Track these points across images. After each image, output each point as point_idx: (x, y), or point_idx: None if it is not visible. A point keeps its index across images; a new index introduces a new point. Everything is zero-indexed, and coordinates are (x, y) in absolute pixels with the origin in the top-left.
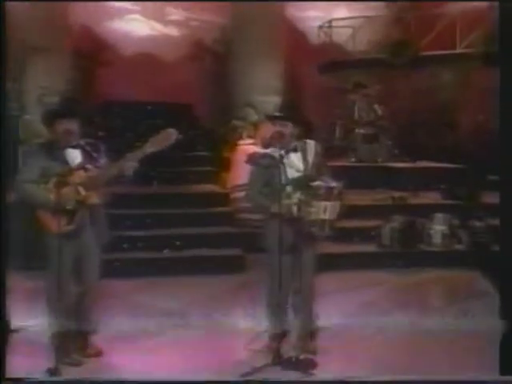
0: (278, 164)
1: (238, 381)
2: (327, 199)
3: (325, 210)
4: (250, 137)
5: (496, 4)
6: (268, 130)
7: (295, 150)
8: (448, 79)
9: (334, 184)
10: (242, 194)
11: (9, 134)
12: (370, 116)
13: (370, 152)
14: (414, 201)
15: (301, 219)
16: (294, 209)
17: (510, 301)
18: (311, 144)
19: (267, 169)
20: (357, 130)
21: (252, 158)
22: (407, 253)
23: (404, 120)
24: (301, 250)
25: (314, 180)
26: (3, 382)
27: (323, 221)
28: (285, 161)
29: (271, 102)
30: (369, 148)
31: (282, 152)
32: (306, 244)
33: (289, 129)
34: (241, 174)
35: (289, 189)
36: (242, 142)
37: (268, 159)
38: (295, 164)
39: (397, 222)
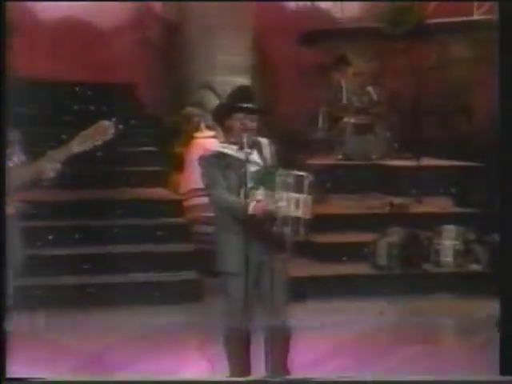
0: (243, 164)
1: (238, 381)
2: (298, 191)
3: (297, 205)
4: (209, 128)
5: None
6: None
7: (254, 147)
8: (462, 54)
9: (304, 173)
10: (200, 200)
11: None
12: (362, 101)
13: (362, 147)
14: (417, 209)
15: (268, 220)
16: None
17: (510, 301)
18: (265, 143)
19: (230, 168)
20: (345, 119)
21: (209, 157)
22: (410, 275)
23: (406, 106)
24: (271, 266)
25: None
26: (3, 382)
27: (297, 219)
28: (248, 157)
29: (236, 83)
30: (361, 141)
31: (248, 149)
32: (278, 254)
33: (255, 121)
34: (197, 174)
35: (251, 185)
36: (198, 134)
37: (231, 158)
38: (255, 161)
39: (396, 235)
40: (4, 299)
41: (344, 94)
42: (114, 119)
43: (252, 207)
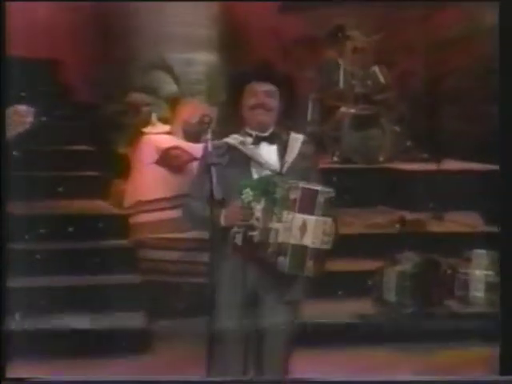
0: (243, 157)
1: (239, 380)
2: (307, 210)
3: (303, 229)
4: (162, 120)
5: None
6: (196, 109)
7: (271, 140)
8: (493, 22)
9: (318, 187)
10: (152, 216)
11: None
12: (364, 85)
13: (364, 145)
14: (437, 227)
15: (263, 247)
16: (256, 228)
17: (510, 300)
18: (298, 139)
19: (232, 168)
20: (343, 109)
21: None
22: (427, 315)
23: (422, 91)
24: (264, 311)
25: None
26: (3, 382)
27: (301, 249)
28: (254, 152)
29: (200, 61)
30: (363, 138)
31: (252, 137)
32: (275, 291)
33: (276, 100)
34: (148, 182)
35: (249, 195)
36: (149, 128)
37: (236, 153)
38: (267, 160)
39: (409, 262)
40: (4, 299)
41: (341, 76)
42: (31, 106)
43: (223, 217)
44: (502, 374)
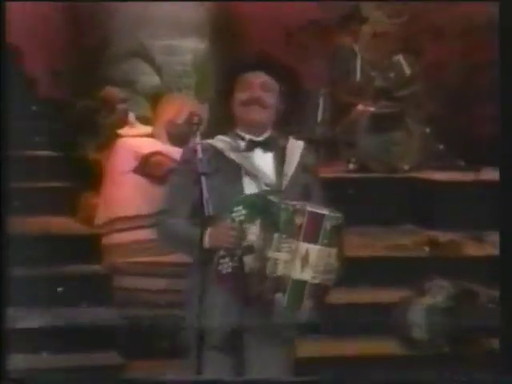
0: (232, 165)
1: (239, 380)
2: (311, 238)
3: (304, 261)
4: (142, 120)
5: None
6: (183, 107)
7: (267, 147)
8: None
9: (325, 211)
10: (129, 235)
11: None
12: (386, 77)
13: (386, 150)
14: (476, 250)
15: (257, 279)
16: (248, 256)
17: (510, 300)
18: (297, 147)
19: (220, 178)
20: (360, 107)
21: (189, 153)
22: (465, 357)
23: (456, 85)
24: (249, 356)
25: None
26: (3, 382)
27: (301, 285)
28: (246, 160)
29: (187, 49)
30: (384, 142)
31: (245, 141)
32: (262, 339)
33: (274, 95)
34: (125, 194)
35: (241, 213)
36: (126, 130)
37: (224, 161)
38: (262, 171)
39: (441, 292)
40: (4, 299)
41: (358, 67)
42: None
43: (207, 237)
44: (501, 373)
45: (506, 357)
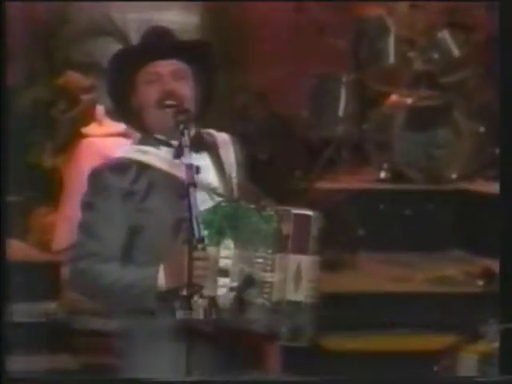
0: (181, 188)
1: (239, 380)
2: (298, 248)
3: (297, 278)
4: (112, 115)
5: None
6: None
7: (198, 147)
8: None
9: (309, 211)
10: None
11: None
12: (428, 59)
13: (427, 153)
14: None
15: (246, 312)
16: (223, 287)
17: (510, 300)
18: (226, 140)
19: (158, 198)
20: (394, 97)
21: (103, 173)
22: None
23: None
24: None
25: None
26: (3, 382)
27: (294, 305)
28: (180, 172)
29: (168, 24)
30: (426, 143)
31: (172, 147)
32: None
33: (188, 85)
34: None
35: (200, 234)
36: (92, 127)
37: (158, 175)
38: (204, 176)
39: (497, 337)
40: (4, 299)
41: (391, 45)
42: None
43: (162, 277)
44: (501, 374)
45: (506, 356)
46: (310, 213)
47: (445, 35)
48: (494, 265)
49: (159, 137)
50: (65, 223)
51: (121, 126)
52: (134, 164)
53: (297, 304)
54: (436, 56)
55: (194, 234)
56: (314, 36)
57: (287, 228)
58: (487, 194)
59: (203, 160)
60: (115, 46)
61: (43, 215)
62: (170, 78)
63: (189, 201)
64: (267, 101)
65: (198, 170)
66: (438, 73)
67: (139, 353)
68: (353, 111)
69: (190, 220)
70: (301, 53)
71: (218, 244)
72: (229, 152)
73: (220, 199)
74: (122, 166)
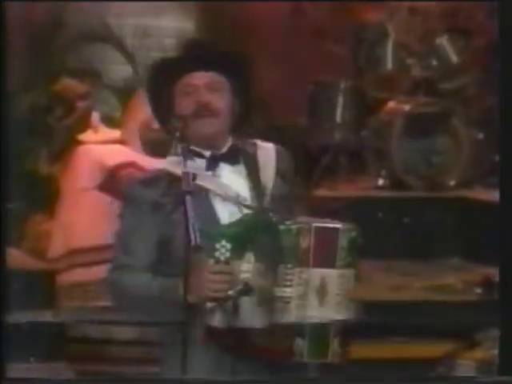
0: (187, 188)
1: (239, 380)
2: (324, 261)
3: (322, 292)
4: (109, 122)
5: None
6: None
7: (233, 160)
8: None
9: (337, 224)
10: (92, 272)
11: None
12: (427, 66)
13: (426, 161)
14: None
15: (264, 328)
16: (247, 301)
17: (510, 299)
18: (269, 151)
19: (166, 213)
20: (392, 104)
21: (136, 186)
22: None
23: None
24: None
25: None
26: (3, 382)
27: (323, 324)
28: (210, 184)
29: (166, 30)
30: (424, 150)
31: (205, 159)
32: None
33: (224, 97)
34: (86, 218)
35: (226, 249)
36: (88, 134)
37: (165, 185)
38: (234, 188)
39: (496, 346)
40: (4, 299)
41: (389, 51)
42: None
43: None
44: (501, 374)
45: (506, 357)
46: (336, 225)
47: (443, 41)
48: (493, 273)
49: (194, 148)
50: (60, 231)
51: (116, 133)
52: (166, 176)
53: (320, 319)
54: (435, 62)
55: (190, 242)
56: (313, 42)
57: (307, 241)
58: (486, 201)
59: (236, 172)
60: (111, 53)
61: (39, 223)
62: (206, 89)
63: (185, 208)
64: (266, 107)
65: (194, 177)
66: (437, 79)
67: (170, 361)
68: (351, 118)
69: (187, 227)
70: (299, 59)
71: (241, 258)
72: (269, 163)
73: (247, 211)
74: (153, 178)
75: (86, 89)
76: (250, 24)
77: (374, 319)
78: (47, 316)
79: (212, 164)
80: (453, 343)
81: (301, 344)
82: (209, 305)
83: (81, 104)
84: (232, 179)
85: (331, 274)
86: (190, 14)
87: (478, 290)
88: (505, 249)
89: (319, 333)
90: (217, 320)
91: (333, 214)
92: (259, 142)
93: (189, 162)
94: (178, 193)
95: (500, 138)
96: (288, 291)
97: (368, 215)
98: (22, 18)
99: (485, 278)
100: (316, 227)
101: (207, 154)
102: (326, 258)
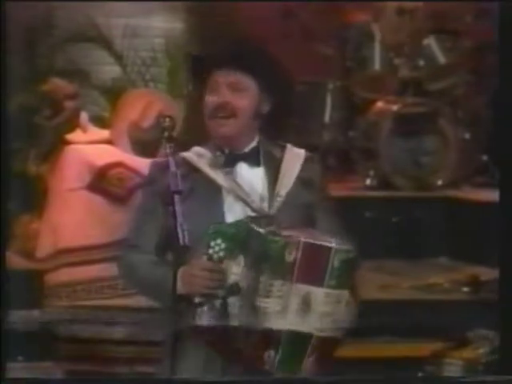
0: (210, 185)
1: (239, 380)
2: (312, 278)
3: (305, 309)
4: (97, 122)
5: None
6: (150, 105)
7: (253, 161)
8: None
9: (331, 242)
10: (81, 271)
11: None
12: (414, 66)
13: (414, 161)
14: None
15: (243, 333)
16: (232, 303)
17: (510, 299)
18: (297, 157)
19: (198, 207)
20: (380, 104)
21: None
22: None
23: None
24: None
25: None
26: (3, 382)
27: (301, 339)
28: (228, 178)
29: (156, 30)
30: (412, 150)
31: (224, 155)
32: None
33: (248, 97)
34: (75, 218)
35: (220, 248)
36: (76, 134)
37: (204, 184)
38: (248, 190)
39: (484, 344)
40: (4, 299)
41: (377, 51)
42: None
43: (179, 280)
44: (501, 374)
45: (506, 357)
46: (329, 244)
47: (431, 42)
48: (480, 272)
49: (217, 143)
50: (48, 231)
51: (105, 133)
52: (184, 164)
53: (301, 335)
54: (422, 63)
55: (178, 241)
56: (301, 42)
57: (293, 255)
58: (474, 201)
59: (254, 174)
60: (99, 53)
61: (27, 222)
62: (228, 89)
63: (173, 208)
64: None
65: (183, 181)
66: (425, 80)
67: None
68: (339, 118)
69: (175, 227)
70: (287, 59)
71: (234, 259)
72: (293, 169)
73: (251, 214)
74: (175, 162)
75: (74, 89)
76: (239, 24)
77: (362, 318)
78: (35, 315)
79: (230, 162)
80: (441, 342)
81: (272, 355)
82: (196, 300)
83: (69, 104)
84: (247, 180)
85: (317, 292)
86: (179, 14)
87: (466, 289)
88: (504, 249)
89: (294, 347)
90: (203, 318)
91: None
92: (289, 147)
93: (209, 156)
94: (192, 183)
95: (496, 138)
96: (267, 301)
97: (356, 215)
98: (10, 19)
99: (472, 278)
100: (305, 243)
101: (226, 150)
102: (312, 275)
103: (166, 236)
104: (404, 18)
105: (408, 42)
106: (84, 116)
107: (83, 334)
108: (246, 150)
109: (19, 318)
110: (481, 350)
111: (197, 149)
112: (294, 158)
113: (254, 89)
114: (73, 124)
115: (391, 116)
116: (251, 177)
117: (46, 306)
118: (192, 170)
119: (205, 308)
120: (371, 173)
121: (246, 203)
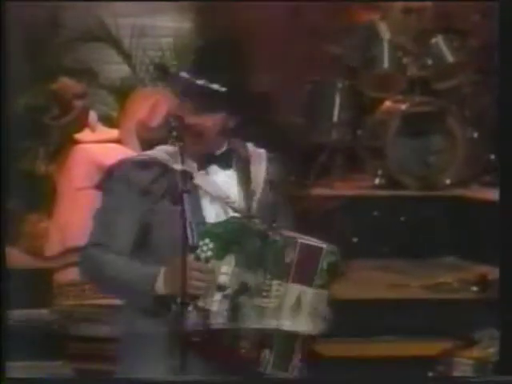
0: (184, 187)
1: (238, 381)
2: (304, 278)
3: (296, 308)
4: (106, 121)
5: None
6: (158, 104)
7: (225, 164)
8: None
9: (322, 244)
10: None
11: None
12: (422, 66)
13: (422, 160)
14: None
15: (234, 335)
16: (221, 304)
17: (510, 299)
18: (261, 156)
19: (153, 201)
20: (388, 103)
21: (124, 170)
22: None
23: None
24: None
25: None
26: (3, 382)
27: (290, 338)
28: (202, 182)
29: (164, 30)
30: (420, 149)
31: (195, 161)
32: None
33: (216, 115)
34: (83, 218)
35: (208, 248)
36: (84, 134)
37: (156, 173)
38: (224, 190)
39: (493, 344)
40: (4, 299)
41: (385, 51)
42: None
43: (161, 279)
44: (501, 373)
45: (506, 357)
46: (320, 245)
47: (439, 41)
48: (489, 271)
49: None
50: (57, 230)
51: (113, 132)
52: (159, 164)
53: (291, 335)
54: (430, 62)
55: (188, 241)
56: (309, 42)
57: (291, 256)
58: (482, 200)
59: (227, 174)
60: (108, 53)
61: (36, 221)
62: (193, 113)
63: (182, 207)
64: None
65: (192, 177)
66: (432, 79)
67: (133, 356)
68: (347, 117)
69: (184, 226)
70: (296, 59)
71: (221, 258)
72: (260, 169)
73: (233, 214)
74: (146, 164)
75: (83, 88)
76: (246, 24)
77: (370, 318)
78: (44, 314)
79: (204, 164)
80: (450, 342)
81: (267, 355)
82: (180, 301)
83: (78, 103)
84: (223, 181)
85: (307, 292)
86: (186, 13)
87: (474, 289)
88: (505, 249)
89: (284, 347)
90: (188, 318)
91: (329, 213)
92: (251, 148)
93: (147, 162)
94: (168, 183)
95: (499, 137)
96: (263, 301)
97: (364, 214)
98: (18, 19)
99: (481, 277)
100: (302, 243)
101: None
102: (305, 275)
103: (143, 234)
104: (411, 17)
105: (416, 41)
106: (92, 115)
107: (91, 333)
108: (218, 153)
109: (27, 316)
110: (490, 350)
111: (165, 147)
112: (259, 158)
113: (220, 107)
114: (81, 123)
115: (399, 115)
116: (225, 178)
117: (54, 304)
118: (165, 170)
119: (189, 308)
120: (379, 172)
121: (227, 203)
